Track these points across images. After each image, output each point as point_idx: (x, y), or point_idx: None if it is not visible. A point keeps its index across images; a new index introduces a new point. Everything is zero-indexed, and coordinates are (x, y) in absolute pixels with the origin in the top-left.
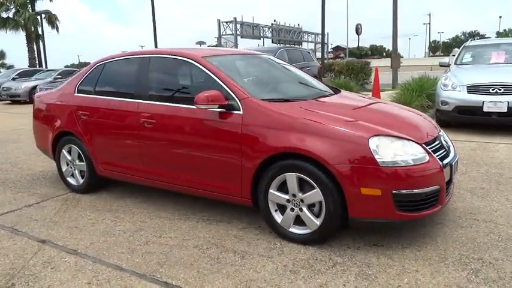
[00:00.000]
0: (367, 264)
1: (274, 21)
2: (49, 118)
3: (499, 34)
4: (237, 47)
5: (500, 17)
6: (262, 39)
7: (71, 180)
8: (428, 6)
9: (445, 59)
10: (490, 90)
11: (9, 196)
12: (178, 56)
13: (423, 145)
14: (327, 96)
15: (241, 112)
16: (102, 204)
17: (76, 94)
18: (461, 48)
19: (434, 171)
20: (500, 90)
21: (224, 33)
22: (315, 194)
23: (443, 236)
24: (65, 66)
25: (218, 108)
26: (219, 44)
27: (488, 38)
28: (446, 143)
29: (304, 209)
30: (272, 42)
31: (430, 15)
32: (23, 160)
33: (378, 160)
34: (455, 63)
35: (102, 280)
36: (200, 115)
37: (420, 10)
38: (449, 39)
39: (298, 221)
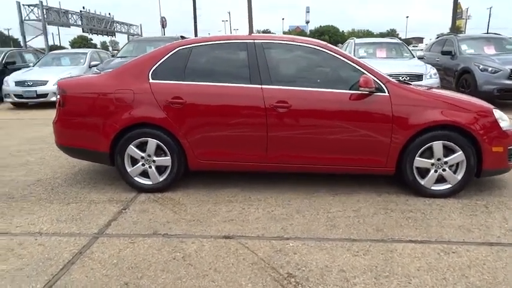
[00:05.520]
0: (501, 202)
1: (83, 8)
2: (103, 110)
3: (284, 32)
4: (46, 35)
5: (283, 18)
6: (71, 27)
7: (140, 179)
8: (227, 6)
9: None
10: None
11: (62, 209)
12: (304, 44)
13: None
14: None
15: (387, 94)
16: (207, 198)
17: (153, 81)
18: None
19: None
20: None
21: (27, 18)
22: (459, 156)
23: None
24: None
25: (369, 91)
26: (21, 31)
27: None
28: None
29: (447, 169)
30: (83, 31)
31: (229, 13)
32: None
33: (501, 125)
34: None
35: (361, 251)
36: (349, 98)
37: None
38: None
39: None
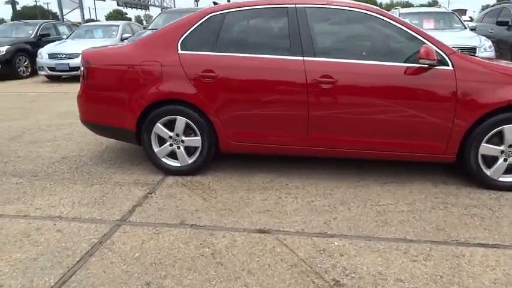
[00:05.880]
0: None
1: None
2: (128, 83)
3: None
4: (82, 9)
5: None
6: (106, 0)
7: (168, 161)
8: None
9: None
10: None
11: (85, 191)
12: (354, 8)
13: None
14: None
15: (451, 67)
16: (239, 184)
17: (182, 52)
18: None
19: None
20: None
21: None
22: None
23: None
24: None
25: (430, 64)
26: (59, 4)
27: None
28: None
29: None
30: (118, 5)
31: None
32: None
33: None
34: None
35: (421, 256)
36: (404, 72)
37: None
38: None
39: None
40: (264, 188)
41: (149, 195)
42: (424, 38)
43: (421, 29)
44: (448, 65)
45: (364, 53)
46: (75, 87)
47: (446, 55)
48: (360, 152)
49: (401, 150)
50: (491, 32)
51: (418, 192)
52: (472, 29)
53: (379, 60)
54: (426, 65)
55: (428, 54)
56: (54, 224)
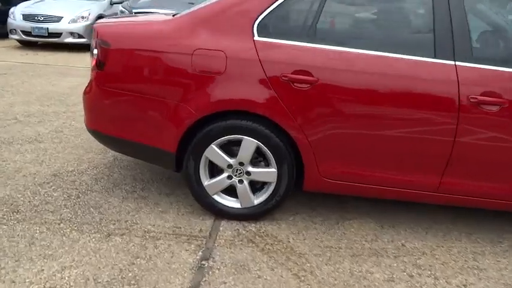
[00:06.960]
0: None
1: None
2: (171, 82)
3: None
4: None
5: None
6: None
7: (222, 199)
8: None
9: None
10: None
11: (100, 251)
12: None
13: None
14: None
15: None
16: (334, 242)
17: (259, 38)
18: None
19: None
20: None
21: None
22: None
23: None
24: None
25: None
26: None
27: None
28: None
29: None
30: None
31: None
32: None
33: None
34: None
35: None
36: None
37: None
38: None
39: None
40: (375, 252)
41: (205, 265)
42: None
43: None
44: None
45: None
46: (58, 58)
47: None
48: None
49: None
50: None
51: None
52: None
53: None
54: None
55: None
56: None
